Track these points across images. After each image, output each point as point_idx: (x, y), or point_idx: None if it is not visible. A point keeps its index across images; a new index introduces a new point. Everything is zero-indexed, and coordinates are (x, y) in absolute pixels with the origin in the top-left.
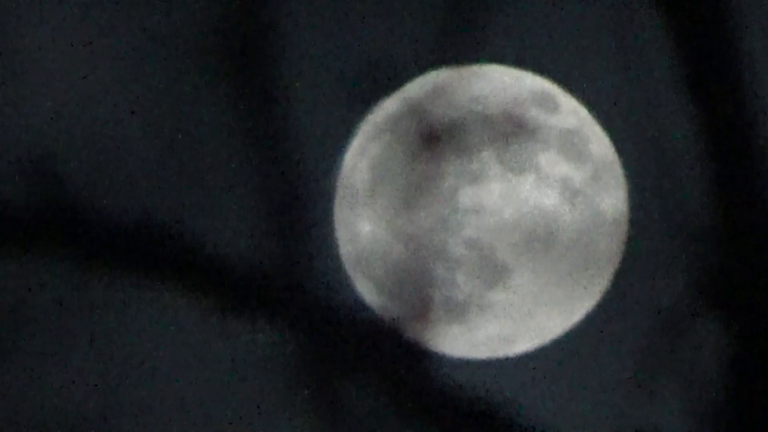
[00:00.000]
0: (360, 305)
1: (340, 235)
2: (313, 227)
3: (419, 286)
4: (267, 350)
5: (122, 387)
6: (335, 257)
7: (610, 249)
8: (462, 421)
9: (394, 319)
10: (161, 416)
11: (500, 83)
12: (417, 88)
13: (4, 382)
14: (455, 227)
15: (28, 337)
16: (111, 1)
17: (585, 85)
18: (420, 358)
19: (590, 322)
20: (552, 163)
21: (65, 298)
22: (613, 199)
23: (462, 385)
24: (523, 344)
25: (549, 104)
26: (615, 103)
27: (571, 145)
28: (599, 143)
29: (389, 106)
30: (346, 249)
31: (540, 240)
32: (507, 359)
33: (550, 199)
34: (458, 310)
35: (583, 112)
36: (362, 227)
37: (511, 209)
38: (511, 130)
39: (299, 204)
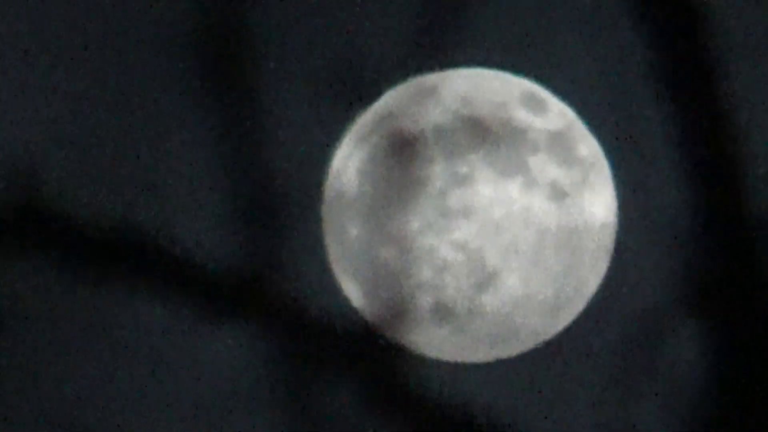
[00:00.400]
0: (347, 308)
1: (328, 238)
2: (301, 230)
3: (407, 289)
4: (251, 353)
5: (100, 390)
6: (323, 260)
7: (598, 252)
8: (448, 424)
9: (381, 322)
10: (141, 419)
11: (488, 86)
12: (405, 91)
13: None
14: (443, 230)
15: (3, 341)
16: (88, 2)
17: (573, 87)
18: (407, 361)
19: (578, 325)
20: (540, 165)
21: (43, 302)
22: (601, 201)
23: (449, 388)
24: (511, 347)
25: (537, 107)
26: (603, 105)
27: (559, 148)
28: (587, 145)
29: (377, 109)
30: (334, 252)
31: (528, 243)
32: (495, 362)
33: (538, 202)
34: (446, 313)
35: (571, 114)
36: (350, 230)
37: (500, 212)
38: (500, 133)
39: (287, 207)
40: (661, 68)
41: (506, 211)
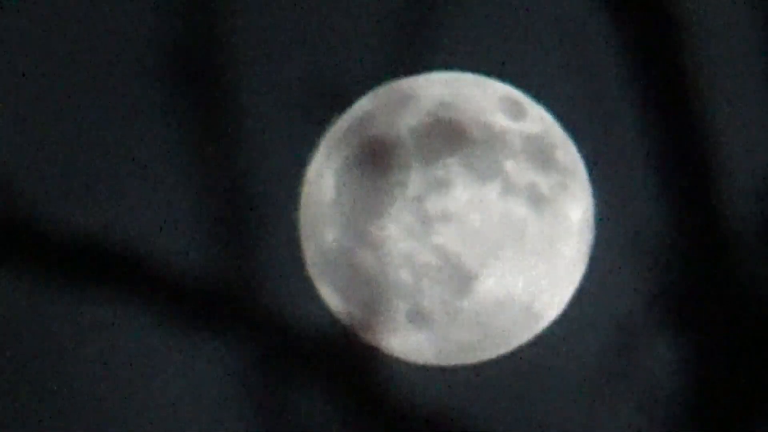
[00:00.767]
0: (325, 313)
1: (306, 243)
2: (278, 235)
3: (384, 293)
4: (229, 359)
5: (76, 399)
6: (300, 265)
7: (575, 256)
8: (426, 428)
9: (359, 326)
10: (120, 428)
11: (466, 90)
12: (382, 95)
13: None
14: (421, 234)
15: None
16: (64, 11)
17: (551, 91)
18: (385, 365)
19: (555, 329)
20: (518, 170)
21: (19, 312)
22: (578, 205)
23: (427, 392)
24: (488, 352)
25: (515, 111)
26: (581, 110)
27: (537, 152)
28: (565, 150)
29: (354, 113)
30: (311, 257)
31: (506, 247)
32: (472, 367)
33: (516, 207)
34: (424, 318)
35: (548, 118)
36: (327, 235)
37: (478, 216)
38: (477, 137)
39: (264, 213)
40: (639, 74)
41: (484, 215)
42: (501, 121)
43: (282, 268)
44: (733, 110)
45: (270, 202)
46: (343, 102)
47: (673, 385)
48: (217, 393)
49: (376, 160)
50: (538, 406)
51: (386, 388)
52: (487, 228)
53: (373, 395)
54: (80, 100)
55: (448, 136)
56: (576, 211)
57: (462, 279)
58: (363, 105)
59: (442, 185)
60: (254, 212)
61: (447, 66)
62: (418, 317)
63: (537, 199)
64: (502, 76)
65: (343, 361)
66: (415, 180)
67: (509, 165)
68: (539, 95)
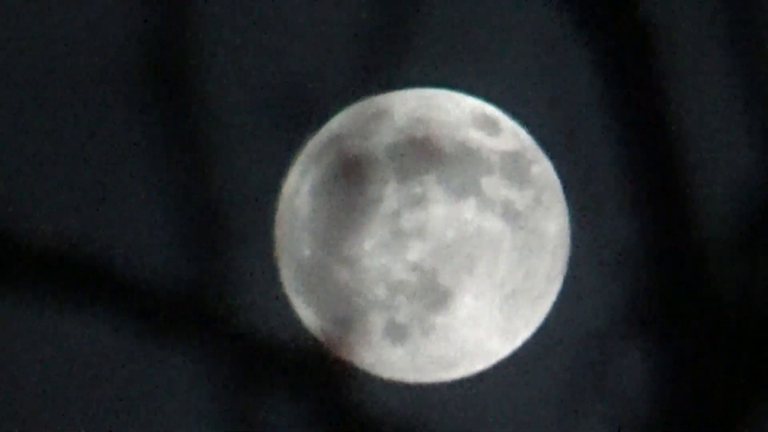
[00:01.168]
0: (300, 329)
1: (281, 258)
2: (254, 251)
3: (360, 309)
4: (203, 373)
5: (43, 406)
6: (276, 281)
7: (550, 272)
8: None
9: (334, 342)
10: None
11: (441, 106)
12: (357, 112)
13: None
14: (397, 250)
15: None
16: (36, 23)
17: (525, 107)
18: (360, 381)
19: (531, 345)
20: (494, 186)
21: None
22: (553, 221)
23: (402, 409)
24: (464, 368)
25: (490, 127)
26: (555, 126)
27: (512, 168)
28: (540, 166)
29: (330, 130)
30: (287, 272)
31: (482, 263)
32: (447, 383)
33: (491, 223)
34: (400, 334)
35: (523, 134)
36: (303, 251)
37: (453, 233)
38: (453, 154)
39: (240, 228)
40: (613, 89)
41: (459, 231)
42: (476, 137)
43: (258, 283)
44: (707, 122)
45: (246, 218)
46: (319, 119)
47: (649, 398)
48: (190, 407)
49: (351, 176)
50: (514, 422)
51: (361, 405)
52: (463, 244)
53: (348, 411)
54: (55, 109)
55: (424, 152)
56: (551, 226)
57: (437, 295)
58: (338, 121)
59: (417, 202)
60: (230, 228)
61: (422, 82)
62: (394, 333)
63: (512, 215)
64: (477, 92)
65: (318, 376)
66: (390, 196)
67: (484, 181)
68: (514, 111)
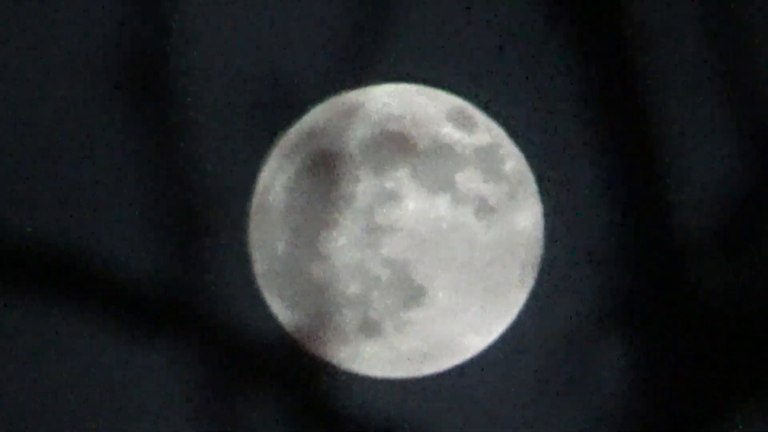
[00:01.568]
0: (274, 325)
1: (255, 254)
2: (228, 246)
3: (334, 305)
4: (176, 368)
5: (18, 404)
6: (250, 277)
7: (525, 267)
8: None
9: (308, 338)
10: None
11: (415, 102)
12: (331, 107)
13: None
14: (371, 246)
15: None
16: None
17: (499, 102)
18: (334, 377)
19: (505, 340)
20: (468, 181)
21: None
22: (527, 216)
23: (377, 404)
24: (439, 363)
25: (464, 122)
26: (529, 121)
27: (486, 164)
28: (514, 161)
29: (304, 125)
30: (260, 268)
31: (456, 259)
32: (422, 378)
33: (465, 218)
34: (374, 329)
35: (497, 129)
36: (277, 246)
37: (427, 228)
38: (427, 149)
39: (214, 223)
40: (588, 86)
41: (434, 226)
42: (450, 132)
43: (232, 279)
44: (683, 118)
45: (221, 214)
46: (293, 114)
47: (623, 392)
48: (163, 403)
49: (325, 171)
50: (489, 417)
51: (335, 400)
52: (437, 239)
53: (322, 406)
54: (27, 107)
55: (398, 147)
56: (525, 222)
57: (412, 290)
58: (313, 117)
59: (391, 197)
60: (205, 224)
61: (396, 78)
62: (368, 329)
63: (486, 211)
64: (452, 88)
65: (293, 372)
66: (364, 192)
67: (459, 177)
68: (488, 107)
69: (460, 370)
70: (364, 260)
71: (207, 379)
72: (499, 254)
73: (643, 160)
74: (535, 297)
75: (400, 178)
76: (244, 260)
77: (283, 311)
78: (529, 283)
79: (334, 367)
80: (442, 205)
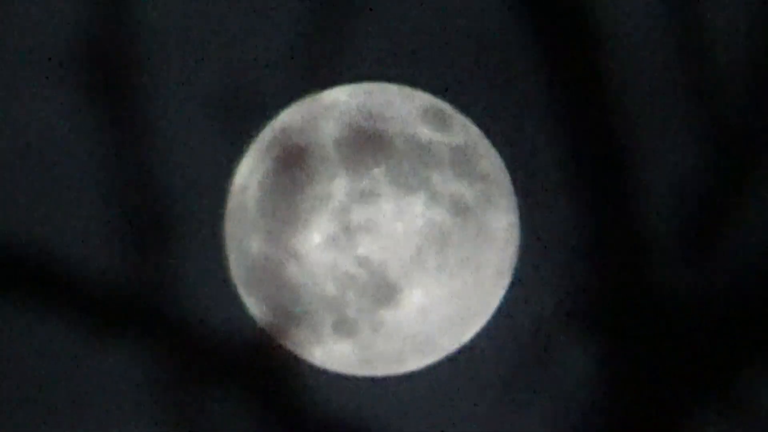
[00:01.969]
0: (249, 324)
1: (231, 253)
2: (203, 246)
3: (309, 304)
4: (149, 369)
5: None
6: (225, 276)
7: (500, 266)
8: None
9: (283, 337)
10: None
11: (390, 100)
12: (305, 106)
13: None
14: (346, 245)
15: None
16: None
17: (475, 102)
18: (309, 376)
19: (480, 339)
20: (443, 180)
21: None
22: (503, 216)
23: (352, 403)
24: (413, 362)
25: (439, 121)
26: (505, 120)
27: (462, 163)
28: (490, 160)
29: (279, 124)
30: (236, 267)
31: (431, 258)
32: (397, 377)
33: (441, 217)
34: (349, 329)
35: (473, 129)
36: (252, 245)
37: (403, 227)
38: (402, 148)
39: (189, 223)
40: (562, 84)
41: (409, 226)
42: (425, 131)
43: (207, 279)
44: (657, 120)
45: (196, 215)
46: (267, 114)
47: (594, 392)
48: (137, 402)
49: (300, 171)
50: (463, 415)
51: (310, 399)
52: (412, 239)
53: (297, 406)
54: None
55: (372, 147)
56: (500, 221)
57: (386, 290)
58: (287, 116)
59: (366, 196)
60: (180, 225)
61: (370, 77)
62: (343, 328)
63: (462, 210)
64: (426, 86)
65: (267, 371)
66: (339, 191)
67: (434, 176)
68: (463, 106)
69: (435, 370)
70: (338, 260)
71: (180, 377)
72: (474, 254)
73: (618, 159)
74: (509, 297)
75: (376, 177)
76: (219, 260)
77: (259, 311)
78: (504, 282)
79: (308, 365)
80: (417, 204)
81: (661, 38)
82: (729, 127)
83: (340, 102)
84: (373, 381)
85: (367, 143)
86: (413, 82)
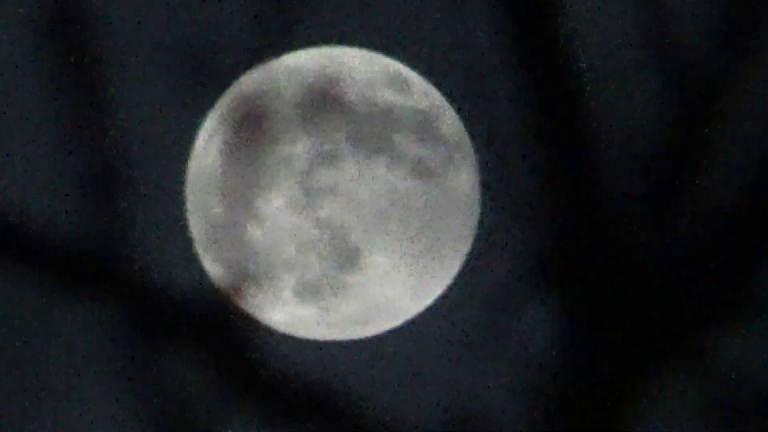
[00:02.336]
0: (210, 287)
1: (192, 217)
2: (164, 209)
3: (271, 267)
4: (110, 330)
5: None
6: (186, 239)
7: (461, 230)
8: (310, 402)
9: (244, 301)
10: None
11: (352, 65)
12: (267, 70)
13: None
14: (308, 208)
15: None
16: None
17: (436, 66)
18: (270, 340)
19: (441, 302)
20: (405, 144)
21: None
22: (464, 179)
23: (313, 367)
24: (375, 326)
25: (401, 86)
26: (466, 85)
27: (423, 127)
28: (451, 124)
29: (240, 88)
30: (197, 231)
31: (393, 221)
32: (359, 341)
33: (403, 180)
34: (311, 292)
35: (435, 93)
36: (214, 209)
37: (365, 190)
38: (364, 112)
39: (150, 187)
40: (524, 49)
41: (371, 189)
42: (387, 95)
43: (169, 243)
44: (617, 87)
45: (157, 178)
46: (229, 78)
47: (555, 350)
48: (93, 358)
49: (261, 134)
50: (425, 378)
51: (272, 363)
52: (374, 202)
53: (259, 369)
54: None
55: (335, 110)
56: (462, 184)
57: (349, 253)
58: (248, 80)
59: (328, 159)
60: (141, 187)
61: (333, 41)
62: (305, 292)
63: (424, 173)
64: (388, 51)
65: (229, 335)
66: (301, 154)
67: (396, 139)
68: (424, 70)
69: (397, 333)
70: (300, 223)
71: (144, 341)
72: (436, 217)
73: (578, 122)
74: (471, 260)
75: (338, 140)
76: (180, 223)
77: (219, 274)
78: (466, 245)
79: (270, 329)
80: (379, 167)
81: (634, 18)
82: (688, 87)
83: (301, 66)
84: (335, 345)
85: (328, 107)
86: (375, 46)
